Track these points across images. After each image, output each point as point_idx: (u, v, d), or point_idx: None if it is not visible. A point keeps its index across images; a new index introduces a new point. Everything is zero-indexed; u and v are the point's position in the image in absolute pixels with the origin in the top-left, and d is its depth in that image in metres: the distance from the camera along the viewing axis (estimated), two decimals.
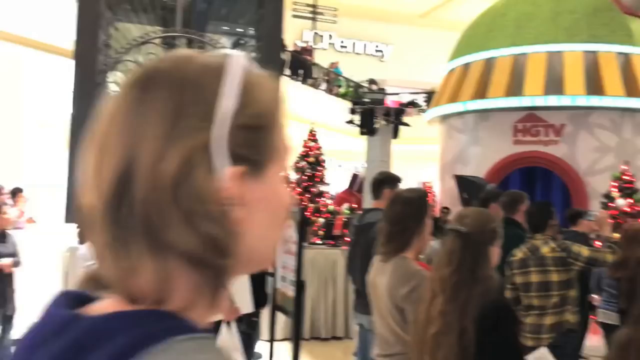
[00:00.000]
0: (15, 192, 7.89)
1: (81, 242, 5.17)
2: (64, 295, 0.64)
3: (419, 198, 2.52)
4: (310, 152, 12.43)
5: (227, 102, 0.58)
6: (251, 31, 10.28)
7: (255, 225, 0.60)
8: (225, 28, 10.96)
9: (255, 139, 0.60)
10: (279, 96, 0.64)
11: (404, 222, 2.44)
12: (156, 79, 0.59)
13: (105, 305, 0.59)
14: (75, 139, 8.33)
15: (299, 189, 12.01)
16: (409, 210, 2.44)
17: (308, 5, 18.16)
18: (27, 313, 5.63)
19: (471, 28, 11.65)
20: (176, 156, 0.55)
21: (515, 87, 9.96)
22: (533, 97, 9.85)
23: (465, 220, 2.18)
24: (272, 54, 9.45)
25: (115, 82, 8.41)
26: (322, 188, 12.14)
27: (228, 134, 0.57)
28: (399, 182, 4.07)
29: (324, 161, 12.61)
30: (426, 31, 19.99)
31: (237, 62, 0.61)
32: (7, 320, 5.19)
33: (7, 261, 4.98)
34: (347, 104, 14.10)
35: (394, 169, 10.13)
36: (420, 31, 20.19)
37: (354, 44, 20.72)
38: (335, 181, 13.80)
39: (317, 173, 12.40)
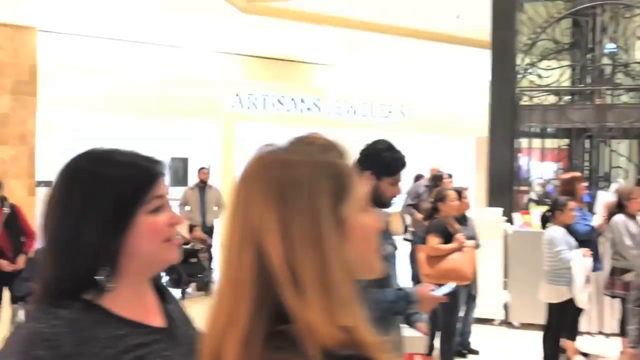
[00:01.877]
0: (440, 178, 8.02)
1: (543, 227, 5.12)
2: None
3: None
4: None
5: None
6: None
7: None
8: None
9: None
10: None
11: None
12: None
13: None
14: (495, 124, 8.46)
15: None
16: None
17: None
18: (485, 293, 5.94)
19: None
20: None
21: None
22: None
23: None
24: None
25: (532, 64, 8.24)
26: None
27: None
28: None
29: None
30: None
31: None
32: (472, 299, 5.49)
33: (470, 243, 5.20)
34: None
35: None
36: None
37: None
38: None
39: None
